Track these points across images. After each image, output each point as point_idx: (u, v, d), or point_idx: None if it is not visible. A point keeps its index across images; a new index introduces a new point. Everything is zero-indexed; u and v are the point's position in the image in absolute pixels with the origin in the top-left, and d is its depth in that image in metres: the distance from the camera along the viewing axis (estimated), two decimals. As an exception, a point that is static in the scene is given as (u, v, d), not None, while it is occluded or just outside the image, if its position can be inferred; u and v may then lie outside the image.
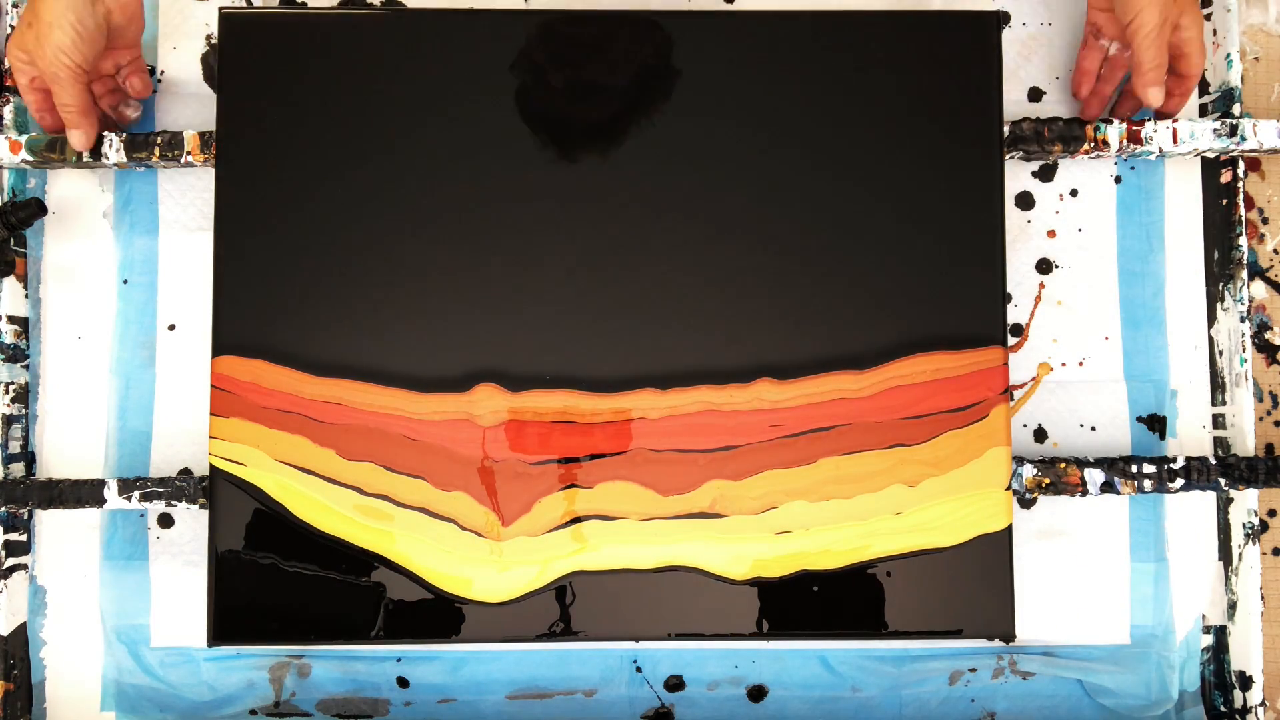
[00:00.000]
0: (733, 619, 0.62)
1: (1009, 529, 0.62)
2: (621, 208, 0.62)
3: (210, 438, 0.62)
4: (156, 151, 0.65)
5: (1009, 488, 0.62)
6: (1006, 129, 0.65)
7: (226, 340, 0.62)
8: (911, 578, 0.62)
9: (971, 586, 0.62)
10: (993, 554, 0.62)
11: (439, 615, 0.62)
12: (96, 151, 0.65)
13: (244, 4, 0.69)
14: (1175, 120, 0.65)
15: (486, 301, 0.62)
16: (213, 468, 0.61)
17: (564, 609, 0.62)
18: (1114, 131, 0.65)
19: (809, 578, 0.62)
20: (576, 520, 0.61)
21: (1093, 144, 0.65)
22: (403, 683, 0.68)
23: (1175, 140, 0.65)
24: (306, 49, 0.62)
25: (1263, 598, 0.68)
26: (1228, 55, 0.67)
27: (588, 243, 0.62)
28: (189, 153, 0.65)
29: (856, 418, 0.62)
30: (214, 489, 0.62)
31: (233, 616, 0.62)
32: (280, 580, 0.62)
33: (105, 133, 0.65)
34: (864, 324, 0.62)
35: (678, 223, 0.62)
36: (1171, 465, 0.64)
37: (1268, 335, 0.71)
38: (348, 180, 0.62)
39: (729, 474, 0.61)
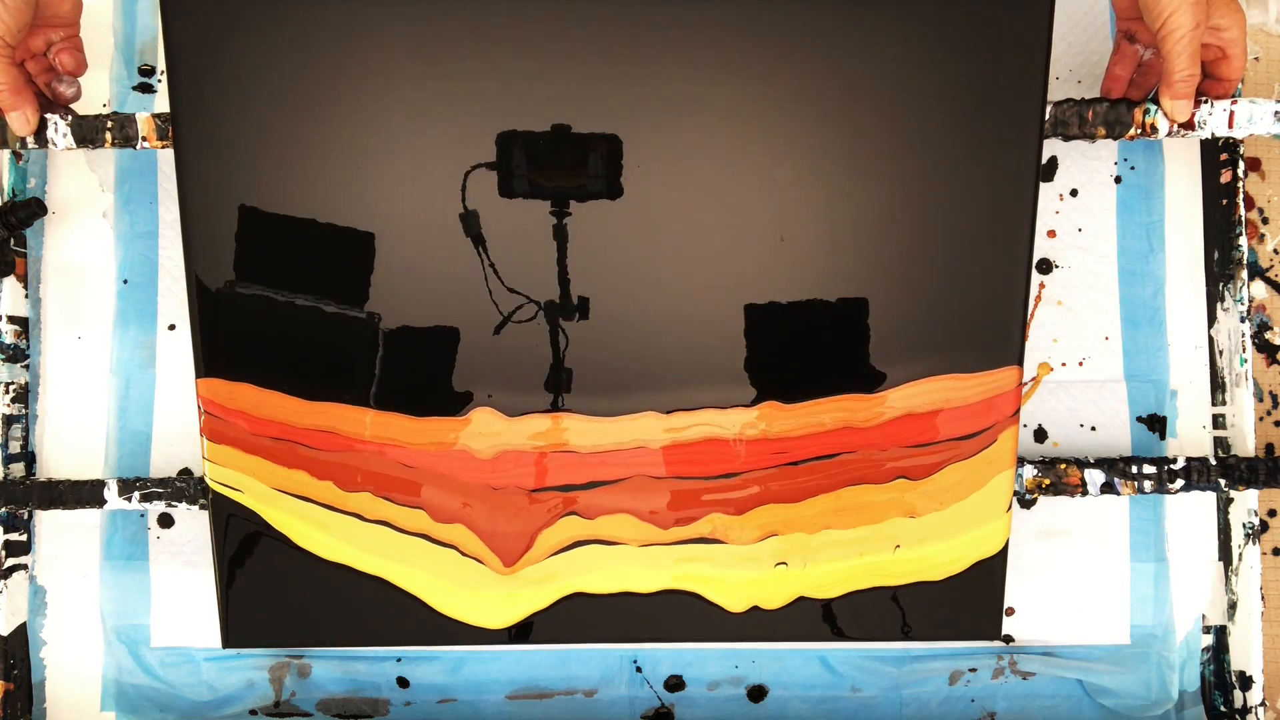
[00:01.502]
0: (731, 637, 0.63)
1: (1005, 547, 0.61)
2: (626, 216, 0.58)
3: (206, 460, 0.61)
4: (109, 137, 0.62)
5: (1009, 508, 0.61)
6: (1048, 110, 0.60)
7: (210, 362, 0.60)
8: (907, 601, 0.62)
9: (964, 603, 0.62)
10: (988, 574, 0.61)
11: (441, 631, 0.62)
12: (41, 136, 0.61)
13: None
14: (1234, 102, 0.60)
15: (481, 319, 0.59)
16: (209, 487, 0.62)
17: (563, 627, 0.62)
18: (1163, 115, 0.60)
19: (806, 603, 0.62)
20: (576, 545, 0.61)
21: (1139, 129, 0.60)
22: (403, 683, 0.68)
23: (1231, 124, 0.60)
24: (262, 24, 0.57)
25: (1263, 598, 0.68)
26: (1228, 55, 0.67)
27: (586, 257, 0.59)
28: (144, 138, 0.62)
29: (861, 446, 0.60)
30: (215, 507, 0.62)
31: (243, 621, 0.63)
32: (285, 589, 0.62)
33: (49, 115, 0.61)
34: (874, 344, 0.59)
35: (682, 230, 0.58)
36: (1171, 466, 0.64)
37: (1268, 335, 0.71)
38: (325, 185, 0.58)
39: (730, 508, 0.60)
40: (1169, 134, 0.60)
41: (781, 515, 0.60)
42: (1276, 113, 0.60)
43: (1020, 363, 0.60)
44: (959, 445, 0.60)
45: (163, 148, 0.62)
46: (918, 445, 0.60)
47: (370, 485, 0.60)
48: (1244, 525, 0.67)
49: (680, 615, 0.62)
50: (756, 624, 0.62)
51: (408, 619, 0.62)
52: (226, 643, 0.63)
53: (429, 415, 0.60)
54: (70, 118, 0.62)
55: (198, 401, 0.60)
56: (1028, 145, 0.57)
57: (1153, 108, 0.60)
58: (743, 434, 0.60)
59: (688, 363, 0.59)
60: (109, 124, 0.61)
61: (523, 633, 0.62)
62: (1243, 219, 0.68)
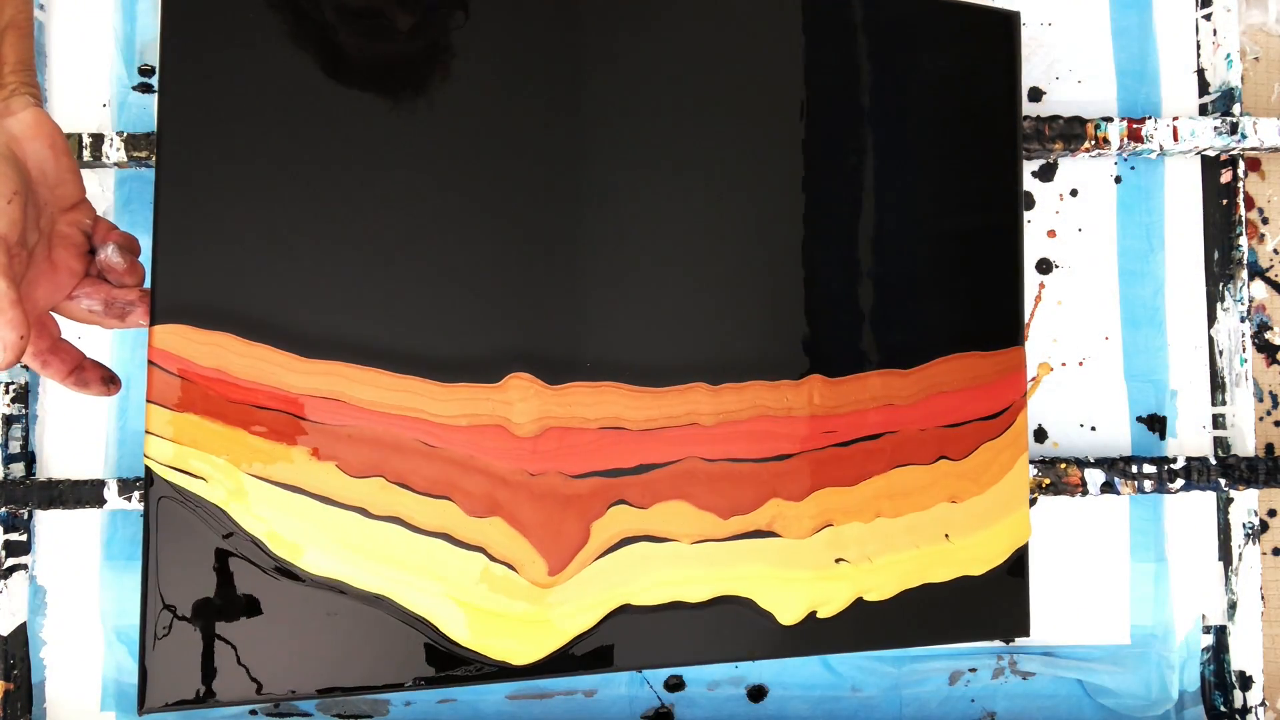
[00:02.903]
0: (784, 652, 0.58)
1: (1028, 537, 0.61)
2: (661, 197, 0.55)
3: (147, 433, 0.45)
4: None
5: (1030, 492, 0.61)
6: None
7: (174, 302, 0.45)
8: (951, 599, 0.60)
9: (996, 596, 0.61)
10: (1019, 567, 0.61)
11: (461, 667, 0.50)
12: (98, 151, 0.64)
13: None
14: (1176, 118, 0.65)
15: (518, 277, 0.51)
16: (150, 473, 0.45)
17: (604, 652, 0.53)
18: (1114, 129, 0.65)
19: (861, 609, 0.58)
20: (625, 543, 0.53)
21: (1093, 142, 0.65)
22: (403, 683, 0.68)
23: (1176, 138, 0.65)
24: None
25: (1263, 598, 0.68)
26: (1228, 55, 0.67)
27: (632, 224, 0.54)
28: None
29: (903, 425, 0.59)
30: (151, 503, 0.45)
31: (173, 676, 0.46)
32: (250, 625, 0.47)
33: (104, 133, 0.64)
34: (902, 321, 0.59)
35: (716, 212, 0.56)
36: (1171, 465, 0.64)
37: (1268, 335, 0.71)
38: (346, 115, 0.48)
39: (787, 492, 0.57)
40: (1119, 148, 0.65)
41: (837, 501, 0.58)
42: (1216, 128, 0.65)
43: (1021, 343, 0.61)
44: (987, 425, 0.60)
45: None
46: (952, 424, 0.60)
47: (383, 469, 0.48)
48: (1244, 525, 0.67)
49: (730, 630, 0.55)
50: (809, 637, 0.57)
51: (414, 655, 0.49)
52: (144, 705, 0.45)
53: (457, 381, 0.50)
54: (124, 134, 0.64)
55: (149, 358, 0.45)
56: (1012, 157, 0.61)
57: (1103, 124, 0.64)
58: (792, 409, 0.58)
59: (734, 332, 0.57)
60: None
61: (560, 664, 0.51)
62: (1243, 219, 0.68)
